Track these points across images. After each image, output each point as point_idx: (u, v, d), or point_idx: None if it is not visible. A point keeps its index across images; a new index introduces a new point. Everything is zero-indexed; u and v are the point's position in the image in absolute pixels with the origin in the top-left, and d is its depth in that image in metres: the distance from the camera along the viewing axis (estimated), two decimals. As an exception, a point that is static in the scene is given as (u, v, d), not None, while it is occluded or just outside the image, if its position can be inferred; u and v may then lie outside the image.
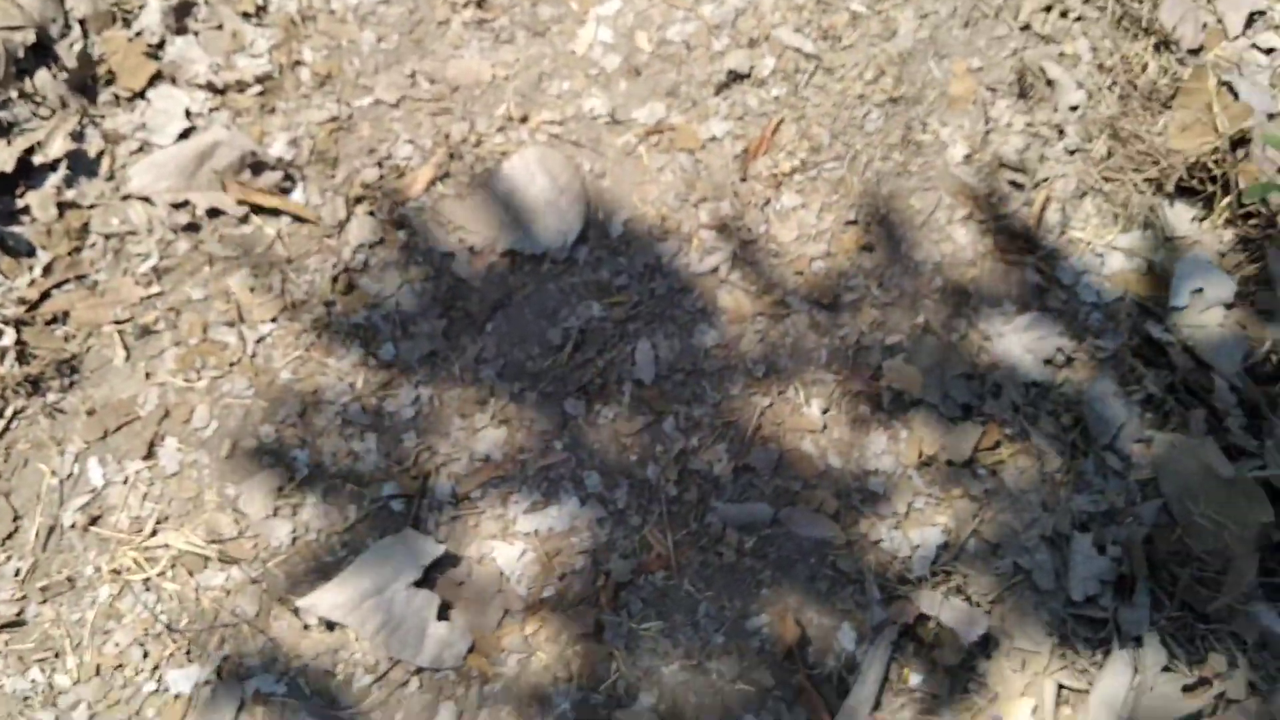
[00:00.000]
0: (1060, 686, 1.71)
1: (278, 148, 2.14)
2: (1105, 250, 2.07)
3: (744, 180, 2.14)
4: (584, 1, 2.33)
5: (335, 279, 2.05)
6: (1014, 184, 2.14)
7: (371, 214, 2.11)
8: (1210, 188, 2.10)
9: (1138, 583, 1.74)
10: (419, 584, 1.78)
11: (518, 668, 1.74)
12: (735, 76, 2.24)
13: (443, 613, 1.77)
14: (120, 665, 1.76)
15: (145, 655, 1.76)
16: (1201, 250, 2.06)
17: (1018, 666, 1.73)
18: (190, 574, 1.81)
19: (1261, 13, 2.29)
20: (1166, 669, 1.67)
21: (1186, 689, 1.64)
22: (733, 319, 2.01)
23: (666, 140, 2.18)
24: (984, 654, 1.73)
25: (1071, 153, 2.17)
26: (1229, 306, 1.98)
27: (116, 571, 1.82)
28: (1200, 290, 1.99)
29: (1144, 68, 2.23)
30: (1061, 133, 2.19)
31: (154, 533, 1.85)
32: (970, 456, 1.86)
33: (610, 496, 1.86)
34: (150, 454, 1.90)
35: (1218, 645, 1.72)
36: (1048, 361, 1.94)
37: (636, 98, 2.23)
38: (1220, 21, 2.29)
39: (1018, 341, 1.96)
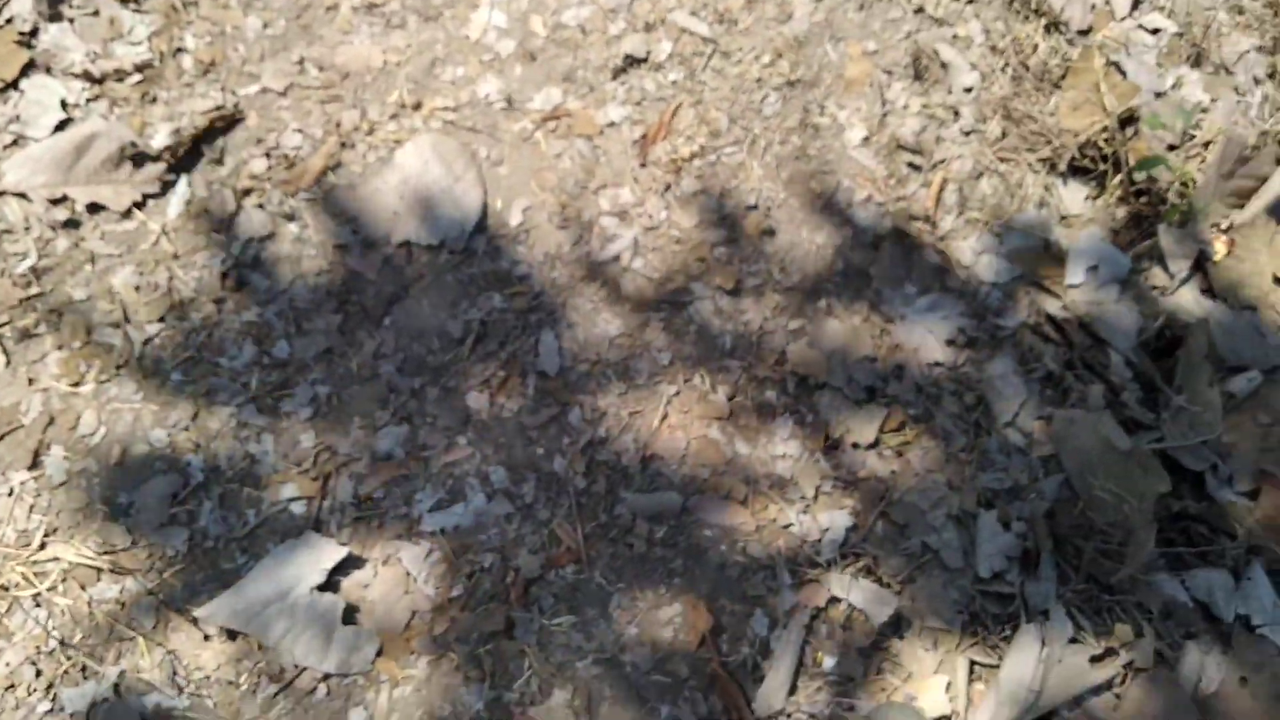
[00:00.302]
0: (972, 663, 1.74)
1: (160, 139, 2.06)
2: (1002, 230, 2.10)
3: (643, 166, 2.12)
4: (476, -15, 2.28)
5: (225, 275, 1.98)
6: (912, 165, 2.16)
7: (261, 206, 2.04)
8: (1102, 166, 2.15)
9: (1042, 557, 1.78)
10: (323, 588, 1.73)
11: (428, 669, 1.71)
12: (632, 61, 2.22)
13: (349, 616, 1.73)
14: (12, 685, 1.68)
15: (38, 674, 1.68)
16: (1095, 228, 2.10)
17: (929, 645, 1.75)
18: (82, 587, 1.74)
19: (1146, -7, 2.35)
20: (1074, 641, 1.71)
21: (1094, 659, 1.68)
22: (636, 307, 1.99)
23: (564, 126, 2.15)
24: (896, 634, 1.76)
25: (967, 134, 2.19)
26: (1123, 283, 2.03)
27: (4, 588, 1.73)
28: (1095, 268, 2.03)
29: (1035, 49, 2.27)
30: (957, 114, 2.21)
31: (43, 546, 1.76)
32: (876, 439, 1.88)
33: (517, 491, 1.84)
34: (35, 463, 1.82)
35: (1123, 615, 1.76)
36: (949, 342, 1.97)
37: (532, 83, 2.20)
38: (1108, 3, 2.34)
39: (919, 323, 1.98)
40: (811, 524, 1.82)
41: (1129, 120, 2.20)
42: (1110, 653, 1.68)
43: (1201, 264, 2.06)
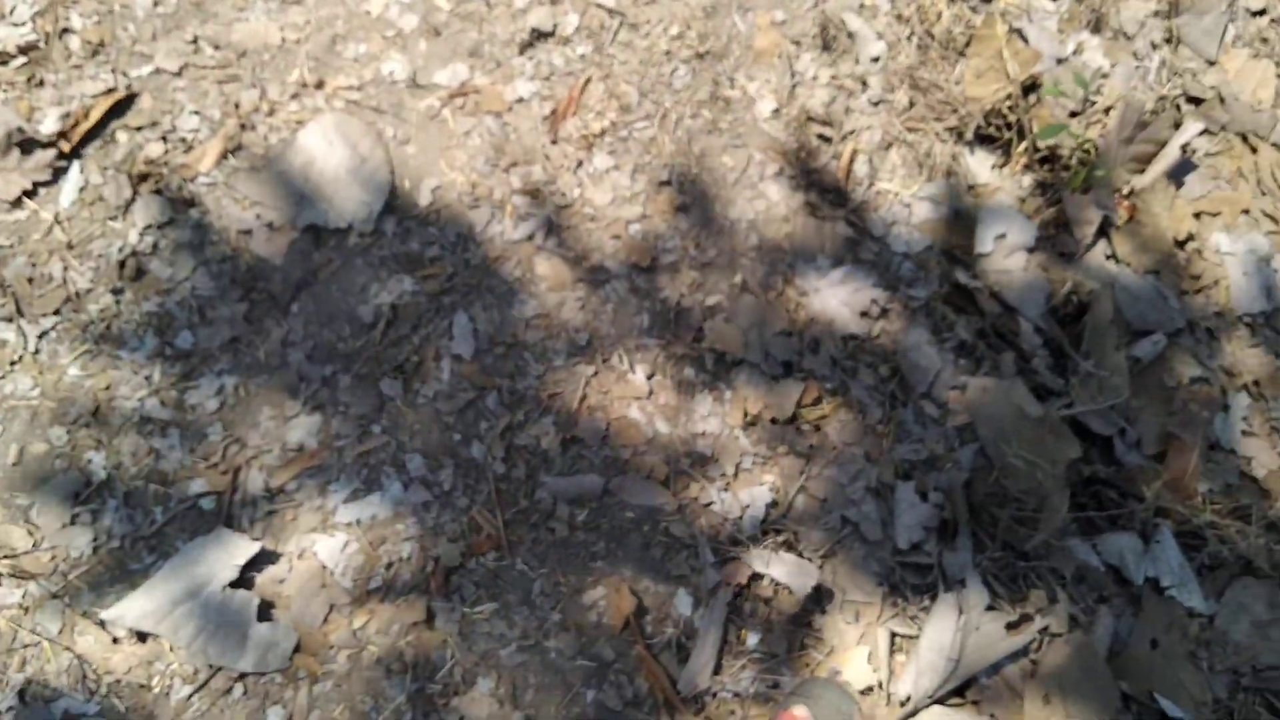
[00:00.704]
0: (893, 634, 1.76)
1: (49, 124, 1.97)
2: (912, 200, 2.12)
3: (554, 143, 2.09)
4: (377, -42, 2.22)
5: (123, 264, 1.91)
6: (822, 137, 2.16)
7: (158, 192, 1.97)
8: (1007, 134, 2.17)
9: (959, 527, 1.81)
10: (236, 585, 1.69)
11: (348, 664, 1.68)
12: (539, 35, 2.18)
13: (264, 613, 1.69)
14: (-92, 698, 1.62)
15: (-64, 685, 1.63)
16: (1003, 196, 2.13)
17: (851, 618, 1.77)
18: (-19, 594, 1.68)
19: (1046, -39, 2.37)
20: (991, 608, 1.74)
21: (1010, 626, 1.71)
22: (552, 287, 1.97)
23: (472, 103, 2.11)
24: (818, 609, 1.77)
25: (875, 104, 2.20)
26: (1031, 251, 2.06)
27: (-104, 598, 1.67)
28: (1003, 236, 2.06)
29: (939, 16, 2.28)
30: (865, 84, 2.22)
31: (-63, 552, 1.70)
32: (793, 413, 1.89)
33: (435, 479, 1.81)
34: (-75, 467, 1.75)
35: (1038, 582, 1.80)
36: (863, 314, 1.98)
37: (437, 59, 2.15)
38: (1009, -30, 2.36)
39: (833, 296, 1.99)
40: (733, 501, 1.83)
41: (1032, 87, 2.23)
42: (1026, 619, 1.71)
43: (1106, 230, 2.10)
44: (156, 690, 1.65)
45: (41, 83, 2.02)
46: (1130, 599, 1.81)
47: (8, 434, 1.78)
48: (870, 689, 1.72)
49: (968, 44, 2.25)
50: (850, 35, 2.25)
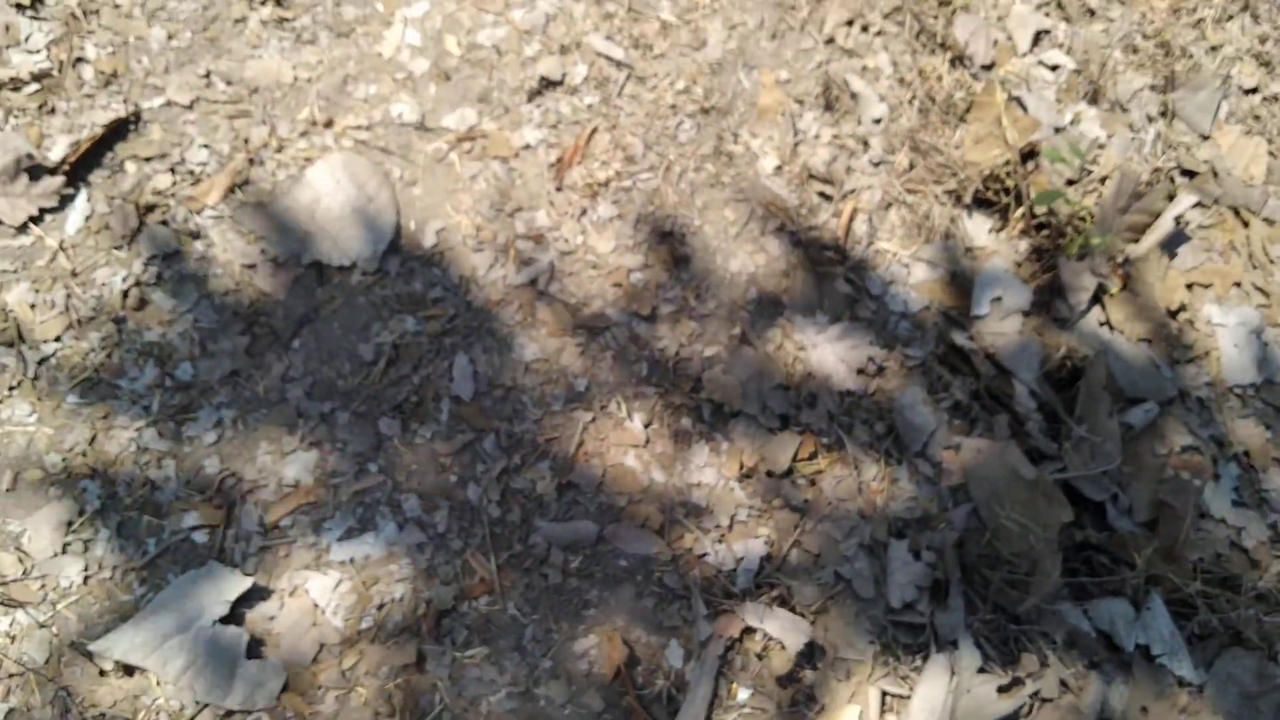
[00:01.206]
0: (884, 693, 1.76)
1: (58, 151, 1.98)
2: (910, 260, 2.15)
3: (559, 190, 2.11)
4: (390, 2, 2.25)
5: (126, 293, 1.91)
6: (823, 195, 2.19)
7: (164, 223, 1.98)
8: (1005, 199, 2.20)
9: (951, 587, 1.82)
10: (226, 620, 1.68)
11: (336, 705, 1.67)
12: (547, 83, 2.21)
13: (253, 650, 1.68)
14: (-113, 725, 1.60)
15: (-83, 713, 1.61)
16: (999, 260, 2.16)
17: (842, 676, 1.77)
18: (-33, 621, 1.67)
19: (1047, 31, 2.43)
20: (982, 670, 1.74)
21: (1001, 689, 1.71)
22: (552, 332, 1.98)
23: (479, 148, 2.14)
24: (810, 664, 1.77)
25: (876, 165, 2.23)
26: (1026, 314, 2.09)
27: (-120, 622, 1.65)
28: (999, 299, 2.09)
29: (940, 82, 2.32)
30: (866, 145, 2.25)
31: (-76, 577, 1.69)
32: (789, 467, 1.90)
33: (429, 520, 1.81)
34: (-82, 490, 1.74)
35: (1029, 645, 1.80)
36: (860, 371, 2.00)
37: (447, 103, 2.17)
38: (1010, 38, 2.41)
39: (831, 351, 2.01)
40: (727, 553, 1.83)
41: (1030, 154, 2.27)
42: (1017, 682, 1.72)
43: (1100, 297, 2.13)
44: (142, 725, 1.64)
45: (53, 110, 2.03)
46: (1120, 665, 1.82)
47: (3, 459, 1.77)
48: (859, 747, 1.72)
49: (968, 110, 2.30)
50: (853, 96, 2.29)
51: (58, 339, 1.86)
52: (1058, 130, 2.32)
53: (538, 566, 1.80)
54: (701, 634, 1.76)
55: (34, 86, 2.03)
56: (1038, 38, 2.43)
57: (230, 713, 1.65)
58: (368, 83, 2.17)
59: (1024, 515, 1.85)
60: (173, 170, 2.03)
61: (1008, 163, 2.22)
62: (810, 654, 1.77)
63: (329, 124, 2.11)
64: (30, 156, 1.95)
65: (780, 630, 1.75)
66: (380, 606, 1.74)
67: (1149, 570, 1.87)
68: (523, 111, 2.18)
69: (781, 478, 1.90)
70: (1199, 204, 2.23)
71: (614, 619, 1.77)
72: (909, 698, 1.74)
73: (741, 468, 1.90)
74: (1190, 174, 2.29)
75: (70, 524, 1.74)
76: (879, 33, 2.38)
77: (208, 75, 2.12)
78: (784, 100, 2.27)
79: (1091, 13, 2.47)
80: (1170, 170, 2.30)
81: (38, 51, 2.06)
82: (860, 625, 1.80)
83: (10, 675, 1.64)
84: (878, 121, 2.28)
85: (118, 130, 2.03)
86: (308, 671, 1.69)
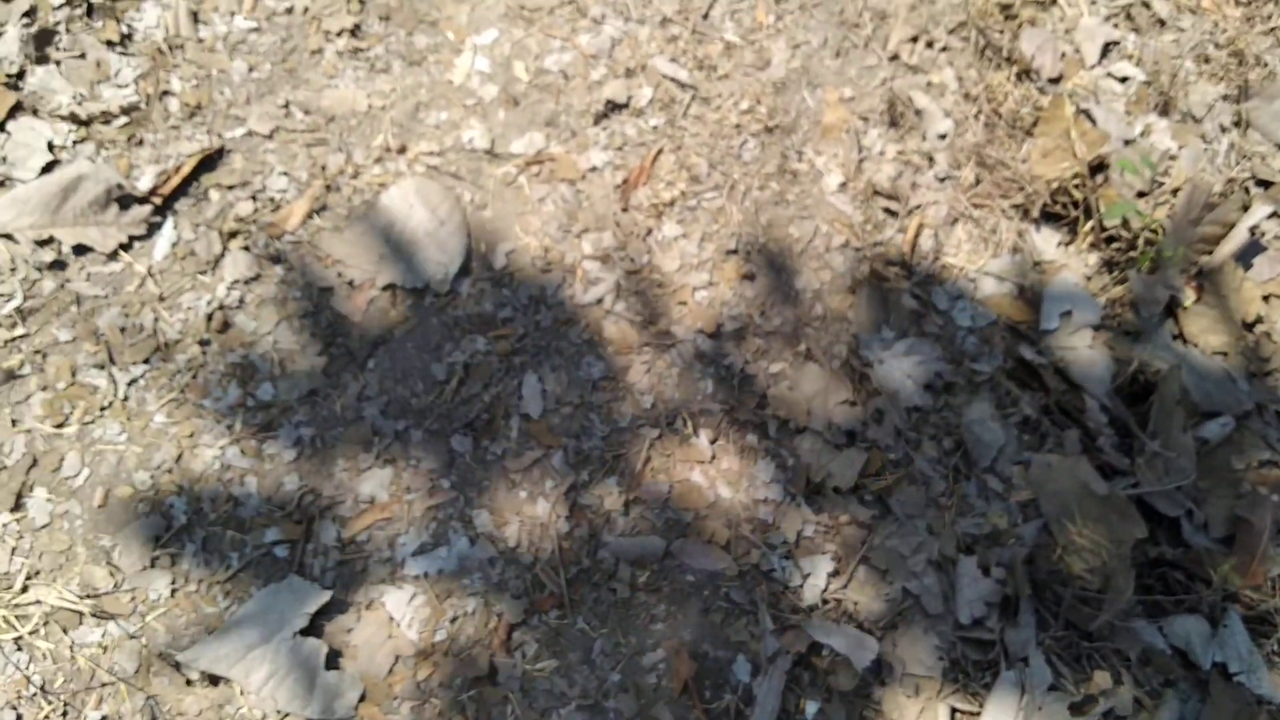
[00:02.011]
0: (953, 710, 1.75)
1: (146, 181, 2.07)
2: (977, 275, 2.14)
3: (625, 210, 2.15)
4: (460, 31, 2.31)
5: (210, 317, 1.99)
6: (888, 211, 2.20)
7: (246, 249, 2.05)
8: (1074, 213, 2.19)
9: (1022, 604, 1.80)
10: (306, 632, 1.74)
11: (411, 715, 1.71)
12: (613, 106, 2.25)
13: (332, 661, 1.73)
14: (-10, 731, 1.68)
15: (18, 719, 1.68)
16: (1069, 274, 2.14)
17: (911, 692, 1.77)
18: (64, 631, 1.74)
19: (1116, 43, 2.41)
20: (1053, 688, 1.73)
21: (1074, 708, 1.69)
22: (619, 350, 2.02)
23: (547, 170, 2.18)
24: (878, 680, 1.77)
25: (942, 180, 2.24)
26: (1096, 328, 2.07)
27: (-17, 631, 1.73)
28: (1069, 313, 2.07)
29: (1007, 96, 2.32)
30: (931, 160, 2.26)
31: (24, 589, 1.76)
32: (856, 483, 1.91)
33: (500, 535, 1.85)
34: (18, 505, 1.82)
35: (1102, 663, 1.78)
36: (927, 386, 2.00)
37: (515, 128, 2.22)
38: (1078, 51, 2.40)
39: (897, 367, 2.01)
40: (793, 569, 1.84)
41: (1099, 167, 2.25)
42: (1090, 700, 1.70)
43: (1173, 309, 2.10)
44: (226, 733, 1.69)
45: (141, 142, 2.12)
46: (1197, 683, 1.79)
47: (94, 477, 1.85)
48: (928, 763, 1.71)
49: (1035, 124, 2.29)
50: (918, 112, 2.29)
51: (146, 361, 1.94)
52: (1127, 142, 2.30)
53: (606, 581, 1.82)
54: (768, 649, 1.77)
55: (123, 119, 2.13)
56: (1106, 50, 2.42)
57: (310, 722, 1.70)
58: (439, 109, 2.23)
59: (1096, 531, 1.83)
60: (254, 197, 2.10)
61: (1076, 176, 2.20)
62: (878, 670, 1.77)
63: (402, 150, 2.17)
64: (120, 187, 2.03)
65: (847, 646, 1.76)
66: (453, 620, 1.78)
67: (1225, 587, 1.84)
68: (589, 134, 2.22)
69: (849, 494, 1.91)
70: (1274, 214, 2.19)
71: (682, 633, 1.79)
72: (979, 715, 1.73)
73: (808, 484, 1.91)
74: (1266, 184, 2.25)
75: (158, 539, 1.81)
76: (944, 48, 2.38)
77: (286, 105, 2.19)
78: (848, 118, 2.29)
79: (1161, 23, 2.44)
80: (1244, 180, 2.26)
81: (126, 86, 2.15)
82: (929, 642, 1.80)
83: (103, 684, 1.71)
84: (943, 137, 2.28)
85: (203, 161, 2.11)
86: (384, 682, 1.73)
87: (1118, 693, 1.71)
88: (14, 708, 1.68)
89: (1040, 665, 1.74)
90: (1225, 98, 2.35)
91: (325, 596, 1.75)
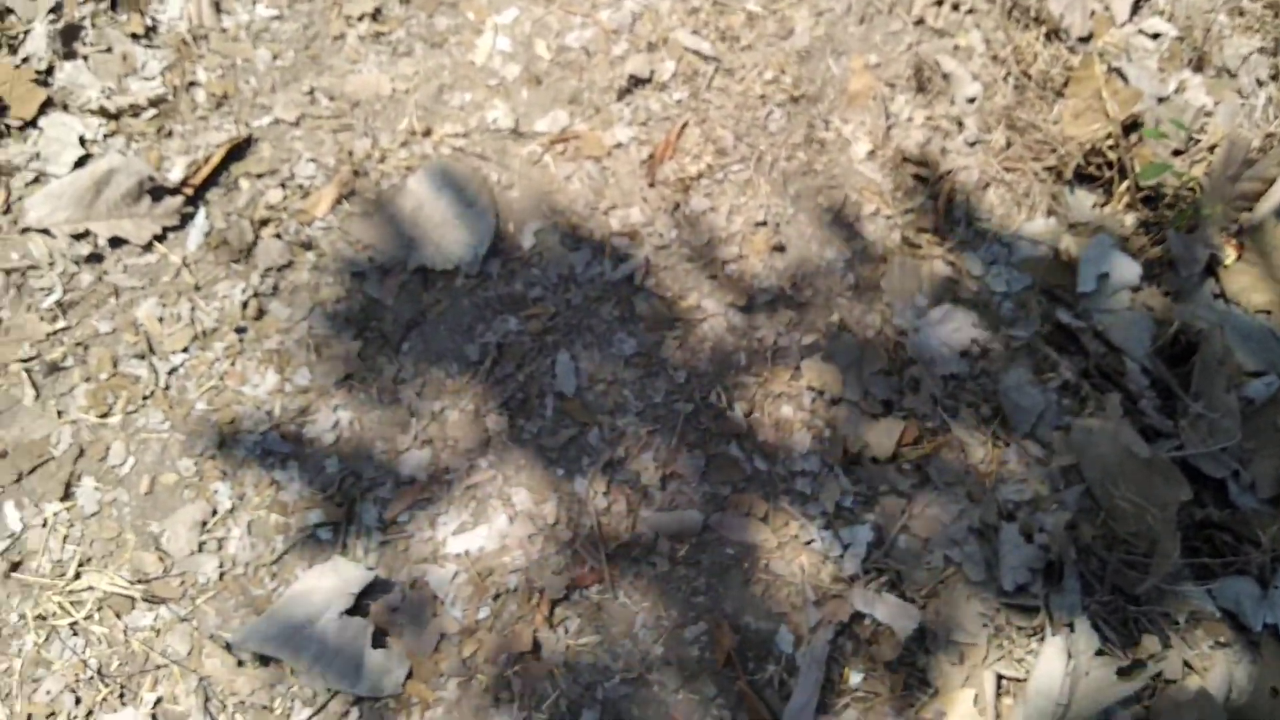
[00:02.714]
0: (999, 677, 1.75)
1: (177, 172, 2.09)
2: (1011, 239, 2.13)
3: (652, 186, 2.14)
4: (480, 11, 2.31)
5: (245, 304, 2.01)
6: (918, 178, 2.18)
7: (278, 236, 2.07)
8: (1108, 173, 2.17)
9: (1066, 569, 1.80)
10: (351, 612, 1.76)
11: (458, 691, 1.73)
12: (636, 81, 2.24)
13: (378, 640, 1.75)
14: (52, 713, 1.70)
15: (78, 701, 1.71)
16: (1105, 235, 2.12)
17: (956, 659, 1.77)
18: (118, 616, 1.77)
19: (1146, -1, 2.37)
20: (1100, 653, 1.72)
21: (1122, 672, 1.69)
22: (651, 326, 2.02)
23: (572, 148, 2.18)
24: (922, 649, 1.77)
25: (972, 144, 2.22)
26: (1135, 290, 2.05)
27: (42, 617, 1.76)
28: (1106, 275, 2.05)
29: (1036, 57, 2.29)
30: (961, 125, 2.24)
31: (77, 575, 1.79)
32: (894, 452, 1.90)
33: (539, 512, 1.86)
34: (68, 494, 1.85)
35: (1149, 626, 1.78)
36: (963, 353, 1.99)
37: (539, 106, 2.22)
38: (1108, 9, 2.37)
39: (932, 335, 2.00)
40: (833, 540, 1.84)
41: (1133, 126, 2.22)
42: (1138, 664, 1.69)
43: (1213, 268, 2.08)
44: (278, 712, 1.72)
45: (170, 133, 2.14)
46: (1248, 645, 1.78)
47: (140, 465, 1.88)
48: (974, 729, 1.72)
49: (1065, 84, 2.26)
50: (945, 77, 2.27)
51: (185, 350, 1.96)
52: (1161, 100, 2.27)
53: (645, 555, 1.83)
54: (810, 620, 1.77)
55: (151, 112, 2.14)
56: (1137, 6, 2.39)
57: (360, 699, 1.72)
58: (462, 90, 2.23)
59: (1140, 495, 1.82)
60: (283, 185, 2.11)
61: (1110, 136, 2.18)
62: (921, 638, 1.77)
63: (427, 133, 2.18)
64: (151, 179, 2.05)
65: (889, 616, 1.76)
66: (495, 597, 1.80)
67: (1275, 548, 1.82)
68: (613, 110, 2.22)
69: (887, 463, 1.90)
70: (1313, 168, 2.16)
71: (723, 606, 1.80)
72: (1025, 681, 1.73)
73: (845, 454, 1.91)
74: (1303, 137, 2.22)
75: (204, 524, 1.83)
76: (970, 10, 2.36)
77: (311, 92, 2.20)
78: (874, 84, 2.27)
79: (1192, -23, 2.41)
80: (1282, 134, 2.23)
81: (153, 78, 2.17)
82: (972, 609, 1.79)
83: (157, 667, 1.74)
84: (972, 101, 2.26)
85: (232, 150, 2.12)
86: (430, 660, 1.75)
87: (1166, 656, 1.70)
88: (72, 690, 1.71)
89: (1086, 630, 1.73)
90: (1261, 50, 2.32)
91: (369, 577, 1.77)
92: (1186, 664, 1.73)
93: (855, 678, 1.75)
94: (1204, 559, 1.84)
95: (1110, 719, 1.70)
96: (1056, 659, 1.71)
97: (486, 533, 1.84)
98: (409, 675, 1.73)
